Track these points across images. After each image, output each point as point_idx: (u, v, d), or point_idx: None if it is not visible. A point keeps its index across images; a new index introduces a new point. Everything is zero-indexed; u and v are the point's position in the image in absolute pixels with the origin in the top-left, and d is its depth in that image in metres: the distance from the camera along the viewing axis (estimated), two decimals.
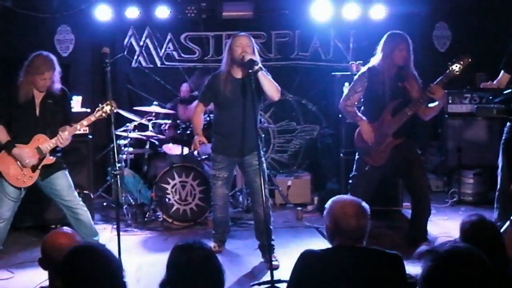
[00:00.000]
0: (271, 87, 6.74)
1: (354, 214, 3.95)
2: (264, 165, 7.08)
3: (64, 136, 6.61)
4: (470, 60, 6.84)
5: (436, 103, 7.03)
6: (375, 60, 7.29)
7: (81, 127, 6.80)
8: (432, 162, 10.57)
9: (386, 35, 7.24)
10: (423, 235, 7.42)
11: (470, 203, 9.54)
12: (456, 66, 6.83)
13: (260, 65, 6.57)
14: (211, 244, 7.37)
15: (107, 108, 6.56)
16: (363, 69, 7.46)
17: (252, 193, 7.21)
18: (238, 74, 6.94)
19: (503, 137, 7.53)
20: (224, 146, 7.13)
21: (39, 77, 6.55)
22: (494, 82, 7.43)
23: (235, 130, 7.00)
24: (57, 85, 6.77)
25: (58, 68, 6.74)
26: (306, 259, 3.92)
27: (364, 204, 4.06)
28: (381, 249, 4.03)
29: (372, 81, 7.23)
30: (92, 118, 6.67)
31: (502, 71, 7.44)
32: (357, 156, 7.49)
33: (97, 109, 6.60)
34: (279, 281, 5.79)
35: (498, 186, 7.52)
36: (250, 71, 6.44)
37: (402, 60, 7.08)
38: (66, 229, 4.29)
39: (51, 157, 6.68)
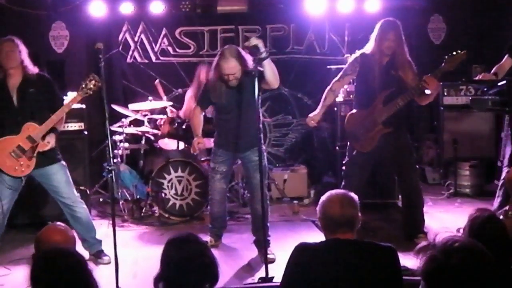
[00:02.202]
0: (272, 75, 6.64)
1: (338, 201, 3.99)
2: (265, 161, 7.09)
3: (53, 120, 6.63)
4: (465, 56, 6.87)
5: (429, 92, 7.04)
6: (368, 47, 7.33)
7: (68, 109, 6.72)
8: (428, 154, 10.57)
9: (379, 22, 7.28)
10: (418, 226, 7.43)
11: (466, 195, 9.56)
12: (451, 60, 6.87)
13: (264, 53, 6.48)
14: (207, 238, 7.37)
15: (91, 84, 6.52)
16: (357, 53, 7.50)
17: (251, 189, 7.22)
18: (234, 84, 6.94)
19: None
20: (224, 142, 7.17)
21: (0, 53, 6.58)
22: (495, 68, 7.42)
23: (234, 129, 7.04)
24: (32, 68, 6.74)
25: (24, 48, 6.74)
26: (300, 252, 3.93)
27: (352, 194, 4.08)
28: (375, 242, 4.04)
29: (364, 67, 7.30)
30: (78, 98, 6.63)
31: (507, 56, 7.43)
32: (348, 143, 7.54)
33: (81, 87, 6.54)
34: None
35: (504, 175, 7.45)
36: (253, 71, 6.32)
37: (388, 49, 7.14)
38: (59, 224, 4.28)
39: (46, 142, 6.65)
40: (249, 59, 6.75)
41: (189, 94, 9.56)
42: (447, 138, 9.92)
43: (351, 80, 7.72)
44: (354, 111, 7.55)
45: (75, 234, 4.15)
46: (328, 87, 7.56)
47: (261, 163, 6.32)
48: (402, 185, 7.62)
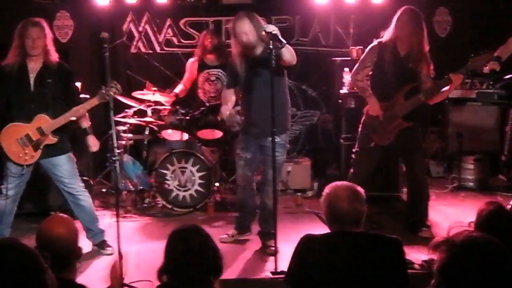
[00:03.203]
0: (289, 54, 6.51)
1: (346, 197, 3.97)
2: (283, 155, 7.03)
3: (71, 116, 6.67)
4: (491, 56, 6.85)
5: (446, 88, 7.00)
6: (387, 35, 7.22)
7: (85, 110, 6.73)
8: (432, 148, 10.55)
9: (400, 10, 7.17)
10: (422, 220, 7.41)
11: (470, 189, 9.53)
12: (477, 60, 6.84)
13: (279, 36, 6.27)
14: (230, 231, 7.40)
15: (111, 91, 6.48)
16: (375, 42, 7.38)
17: (263, 181, 7.15)
18: (252, 53, 6.85)
19: None
20: (246, 126, 7.10)
21: (26, 37, 6.51)
22: (498, 50, 7.33)
23: (253, 110, 6.97)
24: (54, 56, 6.71)
25: (49, 33, 6.70)
26: (306, 244, 3.92)
27: (358, 188, 4.06)
28: (381, 234, 4.05)
29: (381, 57, 7.21)
30: (95, 101, 6.61)
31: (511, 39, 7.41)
32: (362, 132, 7.46)
33: (100, 91, 6.50)
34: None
35: None
36: (271, 47, 6.17)
37: (404, 39, 7.08)
38: (62, 216, 4.24)
39: (54, 138, 6.65)
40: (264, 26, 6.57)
41: (191, 60, 9.57)
42: (451, 132, 9.90)
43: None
44: (371, 102, 7.37)
45: (78, 225, 4.06)
46: (354, 80, 7.52)
47: (274, 159, 6.30)
48: (408, 177, 7.59)
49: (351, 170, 7.51)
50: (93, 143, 6.92)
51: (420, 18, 7.11)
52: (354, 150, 7.54)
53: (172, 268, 3.46)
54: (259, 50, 6.83)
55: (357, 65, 7.46)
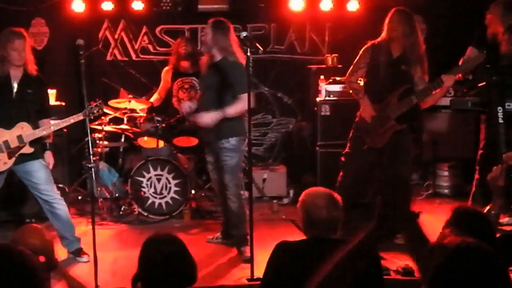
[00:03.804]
0: (234, 111, 6.89)
1: (325, 205, 3.98)
2: (232, 160, 7.04)
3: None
4: (482, 58, 6.93)
5: (438, 90, 7.05)
6: (380, 36, 7.23)
7: (67, 124, 6.81)
8: None
9: (391, 11, 7.18)
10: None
11: (445, 196, 9.59)
12: (468, 62, 6.93)
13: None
14: (218, 233, 7.62)
15: (95, 110, 6.65)
16: (368, 44, 7.36)
17: (219, 185, 7.28)
18: (212, 60, 7.07)
19: None
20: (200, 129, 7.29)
21: (12, 49, 6.52)
22: (461, 60, 7.52)
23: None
24: (32, 66, 6.72)
25: (29, 42, 6.74)
26: (281, 251, 3.93)
27: (335, 195, 4.07)
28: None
29: (375, 59, 7.19)
30: (79, 117, 6.62)
31: (471, 47, 7.58)
32: (354, 134, 7.41)
33: (85, 109, 6.48)
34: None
35: None
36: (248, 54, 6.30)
37: (397, 47, 7.12)
38: (36, 226, 4.20)
39: (31, 148, 6.64)
40: (223, 40, 6.96)
41: (165, 69, 9.62)
42: (426, 139, 9.94)
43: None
44: (364, 105, 7.33)
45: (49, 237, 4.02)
46: (349, 81, 7.49)
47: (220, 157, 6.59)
48: (390, 181, 7.56)
49: (341, 173, 7.47)
50: (50, 160, 6.91)
51: (411, 19, 7.12)
52: (344, 152, 7.50)
53: (146, 276, 3.46)
54: (217, 57, 6.99)
55: (351, 67, 7.45)
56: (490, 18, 7.72)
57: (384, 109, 7.18)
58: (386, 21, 7.13)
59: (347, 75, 7.49)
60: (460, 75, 7.35)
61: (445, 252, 2.66)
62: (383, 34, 7.15)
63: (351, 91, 7.57)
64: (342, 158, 7.47)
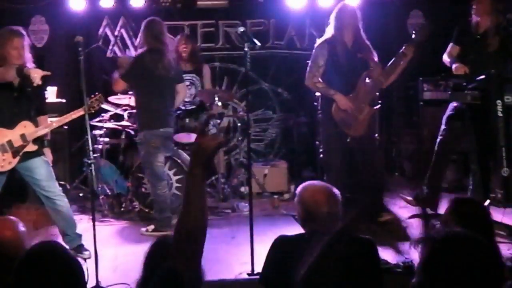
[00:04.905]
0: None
1: (325, 201, 3.97)
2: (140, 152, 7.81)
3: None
4: (429, 26, 7.22)
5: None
6: (329, 32, 7.58)
7: (69, 119, 6.82)
8: (408, 149, 10.61)
9: (337, 7, 7.64)
10: (381, 206, 7.75)
11: (444, 190, 9.57)
12: (421, 31, 7.21)
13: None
14: None
15: (96, 104, 6.70)
16: (319, 41, 7.69)
17: None
18: None
19: None
20: None
21: (12, 47, 6.52)
22: (444, 57, 7.86)
23: None
24: (30, 65, 6.68)
25: (28, 40, 6.74)
26: (279, 245, 3.95)
27: (334, 190, 4.07)
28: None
29: (332, 53, 7.48)
30: (80, 112, 6.64)
31: (452, 44, 7.88)
32: (328, 132, 7.66)
33: (86, 104, 6.51)
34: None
35: None
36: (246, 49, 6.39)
37: (348, 33, 7.52)
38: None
39: (35, 146, 6.66)
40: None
41: None
42: (426, 133, 9.94)
43: None
44: (339, 99, 7.53)
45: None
46: (312, 83, 7.70)
47: None
48: (366, 166, 7.68)
49: (329, 172, 7.57)
50: (49, 157, 6.94)
51: (355, 12, 7.56)
52: (323, 150, 7.66)
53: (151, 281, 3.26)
54: None
55: (309, 69, 7.70)
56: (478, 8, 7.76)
57: (356, 97, 7.45)
58: (333, 16, 7.60)
59: (308, 79, 7.73)
60: (465, 69, 7.44)
61: (433, 243, 2.66)
62: (332, 28, 7.58)
63: (319, 92, 7.71)
64: (323, 157, 7.75)
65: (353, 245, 3.84)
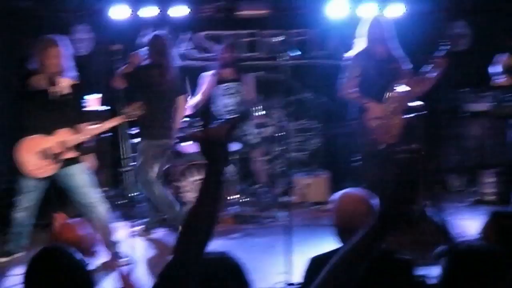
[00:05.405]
0: None
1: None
2: None
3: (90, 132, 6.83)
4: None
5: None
6: (362, 44, 7.75)
7: (110, 126, 6.97)
8: (452, 161, 10.48)
9: (368, 20, 7.83)
10: None
11: (490, 203, 9.42)
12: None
13: None
14: None
15: (135, 112, 6.72)
16: (351, 54, 7.85)
17: None
18: None
19: None
20: None
21: (46, 55, 6.62)
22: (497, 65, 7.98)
23: None
24: (69, 73, 6.81)
25: (64, 50, 6.80)
26: (314, 265, 3.84)
27: (372, 200, 3.96)
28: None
29: (365, 65, 7.65)
30: (120, 119, 6.75)
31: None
32: (368, 139, 7.71)
33: (126, 111, 6.61)
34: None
35: None
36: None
37: (379, 45, 7.66)
38: (75, 221, 4.20)
39: (74, 152, 6.72)
40: None
41: (207, 74, 9.58)
42: (471, 145, 9.84)
43: None
44: (372, 107, 7.69)
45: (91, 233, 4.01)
46: (346, 94, 7.94)
47: None
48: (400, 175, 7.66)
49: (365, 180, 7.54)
50: (93, 163, 7.05)
51: (388, 25, 7.74)
52: (361, 158, 7.68)
53: None
54: None
55: (342, 80, 7.91)
56: None
57: (388, 106, 7.63)
58: (367, 28, 7.75)
59: (342, 90, 7.96)
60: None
61: (454, 256, 2.62)
62: (365, 41, 7.75)
63: (354, 101, 7.91)
64: (361, 164, 7.90)
65: (392, 265, 3.68)
